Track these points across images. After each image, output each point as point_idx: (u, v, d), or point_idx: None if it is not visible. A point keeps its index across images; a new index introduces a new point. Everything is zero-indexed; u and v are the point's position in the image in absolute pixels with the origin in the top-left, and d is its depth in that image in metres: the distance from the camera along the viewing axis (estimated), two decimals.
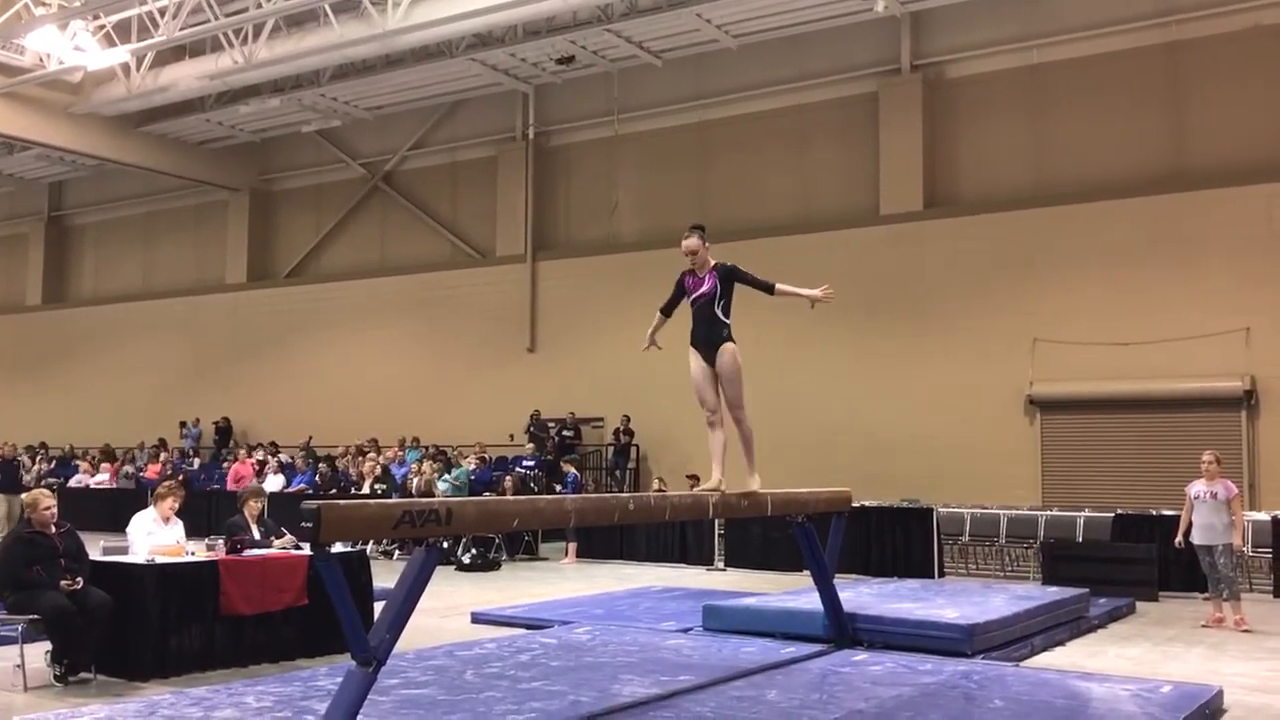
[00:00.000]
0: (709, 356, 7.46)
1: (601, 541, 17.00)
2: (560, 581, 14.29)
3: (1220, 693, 7.21)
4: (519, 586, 13.70)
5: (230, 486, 19.96)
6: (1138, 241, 17.27)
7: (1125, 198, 17.40)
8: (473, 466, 18.56)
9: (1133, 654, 9.26)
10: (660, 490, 17.06)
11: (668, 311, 7.78)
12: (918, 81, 19.27)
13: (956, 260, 18.53)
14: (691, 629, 9.66)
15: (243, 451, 23.23)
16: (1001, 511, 15.31)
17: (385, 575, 8.68)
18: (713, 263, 7.56)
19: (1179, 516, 11.15)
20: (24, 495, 8.12)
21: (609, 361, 21.14)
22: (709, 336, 7.46)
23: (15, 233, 31.92)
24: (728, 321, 7.47)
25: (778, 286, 7.56)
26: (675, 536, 16.57)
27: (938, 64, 19.38)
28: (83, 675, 7.47)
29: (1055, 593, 10.79)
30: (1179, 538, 10.95)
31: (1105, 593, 11.73)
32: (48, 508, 7.70)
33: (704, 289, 7.49)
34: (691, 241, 7.51)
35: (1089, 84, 18.06)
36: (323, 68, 22.04)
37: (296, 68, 21.48)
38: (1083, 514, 14.75)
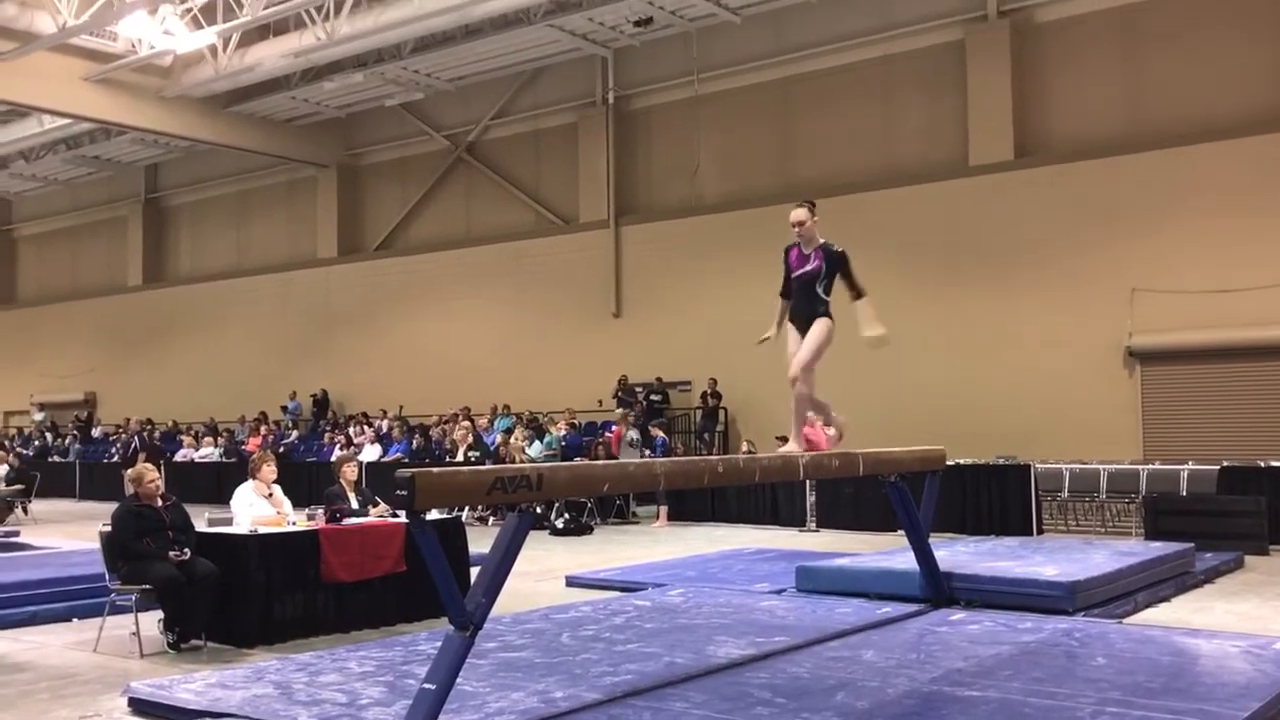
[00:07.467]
0: (805, 330, 7.37)
1: (693, 504, 17.04)
2: (653, 545, 14.35)
3: None
4: (612, 550, 13.79)
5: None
6: (1242, 183, 16.61)
7: (1228, 139, 16.69)
8: (563, 432, 18.70)
9: (1242, 609, 9.01)
10: (749, 452, 17.01)
11: (786, 293, 7.55)
12: (1005, 27, 18.73)
13: (1050, 210, 18.04)
14: (785, 590, 9.62)
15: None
16: (1101, 466, 14.97)
17: (480, 541, 8.79)
18: (820, 240, 7.37)
19: None
20: (129, 470, 8.38)
21: (695, 324, 21.09)
22: (808, 312, 7.36)
23: (115, 215, 32.88)
24: (827, 299, 7.36)
25: (861, 301, 7.41)
26: (766, 498, 16.54)
27: (1025, 8, 18.79)
28: (193, 642, 7.71)
29: (1159, 548, 10.52)
30: None
31: (1211, 547, 11.42)
32: (153, 480, 7.96)
33: (809, 268, 7.34)
34: (800, 212, 7.34)
35: (1186, 20, 17.36)
36: (403, 41, 22.20)
37: (378, 42, 21.70)
38: (1187, 467, 14.36)
